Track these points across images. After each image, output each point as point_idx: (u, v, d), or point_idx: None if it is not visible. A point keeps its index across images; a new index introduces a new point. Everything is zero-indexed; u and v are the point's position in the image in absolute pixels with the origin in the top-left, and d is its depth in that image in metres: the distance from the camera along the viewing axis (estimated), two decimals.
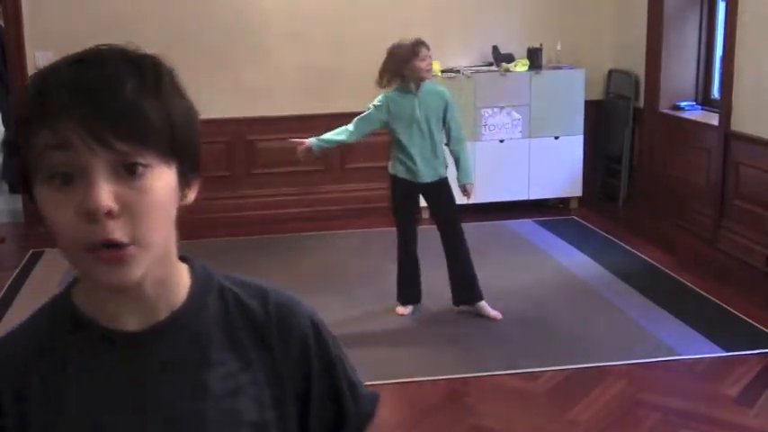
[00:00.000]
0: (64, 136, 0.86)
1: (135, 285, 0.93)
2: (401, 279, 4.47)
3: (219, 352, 0.99)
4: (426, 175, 4.29)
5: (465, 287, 4.39)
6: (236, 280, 1.06)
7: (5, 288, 4.99)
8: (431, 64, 4.22)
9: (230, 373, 0.99)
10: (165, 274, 0.97)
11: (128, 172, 0.88)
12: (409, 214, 4.39)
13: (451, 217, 4.39)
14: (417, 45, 4.16)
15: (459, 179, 4.38)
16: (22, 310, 4.62)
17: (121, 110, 0.87)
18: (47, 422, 0.94)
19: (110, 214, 0.87)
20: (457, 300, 4.43)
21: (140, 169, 0.89)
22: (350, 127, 4.31)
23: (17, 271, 5.28)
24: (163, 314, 0.97)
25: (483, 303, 4.38)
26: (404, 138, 4.25)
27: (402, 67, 4.17)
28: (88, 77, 0.88)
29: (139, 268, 0.91)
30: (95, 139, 0.86)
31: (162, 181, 0.91)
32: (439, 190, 4.34)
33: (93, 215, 0.86)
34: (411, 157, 4.26)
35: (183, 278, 1.00)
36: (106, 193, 0.87)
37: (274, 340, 1.02)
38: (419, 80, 4.20)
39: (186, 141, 0.94)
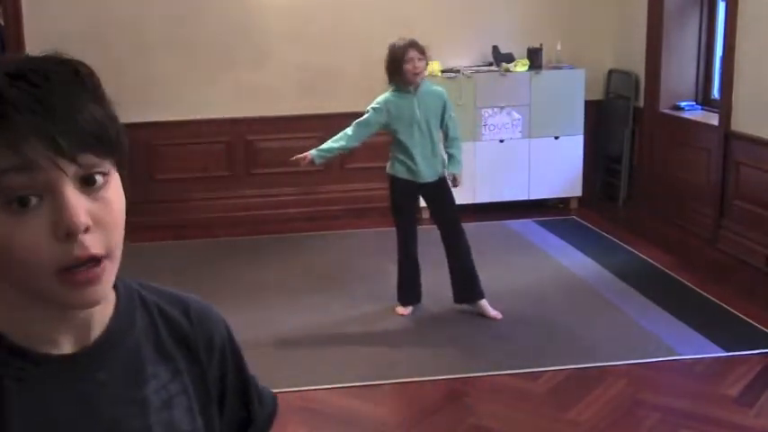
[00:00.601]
0: (27, 156, 0.83)
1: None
2: (401, 280, 4.47)
3: (151, 365, 0.99)
4: (427, 175, 4.29)
5: (466, 286, 4.40)
6: (152, 289, 1.06)
7: None
8: (419, 67, 4.18)
9: (162, 385, 1.00)
10: None
11: (87, 184, 0.86)
12: (409, 214, 4.39)
13: (453, 217, 4.39)
14: (407, 47, 4.17)
15: (448, 168, 4.37)
16: None
17: (83, 123, 0.86)
18: None
19: (87, 230, 0.85)
20: (458, 298, 4.43)
21: (99, 180, 0.87)
22: (348, 131, 4.28)
23: None
24: (96, 333, 0.95)
25: (483, 302, 4.38)
26: (405, 138, 4.25)
27: (395, 68, 4.20)
28: (43, 95, 0.85)
29: (109, 284, 0.89)
30: (62, 156, 0.84)
31: (117, 187, 0.90)
32: (439, 190, 4.34)
33: (73, 234, 0.84)
34: (412, 158, 4.26)
35: (110, 293, 0.97)
36: (83, 209, 0.85)
37: (200, 348, 1.05)
38: (407, 83, 4.21)
39: (125, 144, 0.93)
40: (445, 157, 4.40)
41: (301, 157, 4.24)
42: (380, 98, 4.28)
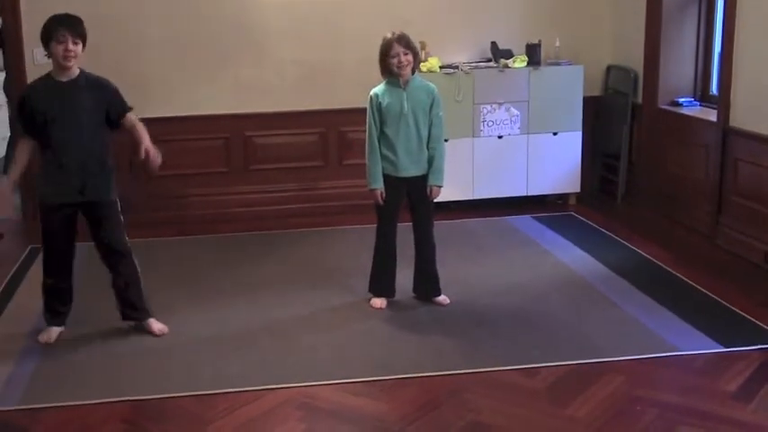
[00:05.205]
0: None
1: None
2: (372, 271, 4.57)
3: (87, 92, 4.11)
4: (408, 169, 4.34)
5: (425, 284, 4.55)
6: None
7: (5, 283, 4.99)
8: (404, 62, 4.21)
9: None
10: None
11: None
12: (388, 207, 4.42)
13: (425, 216, 4.46)
14: (392, 42, 4.23)
15: (428, 179, 4.38)
16: (22, 304, 4.62)
17: None
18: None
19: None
20: (415, 290, 4.58)
21: None
22: (369, 144, 4.34)
23: (16, 266, 5.28)
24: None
25: (439, 298, 4.52)
26: (390, 131, 4.30)
27: (383, 61, 4.26)
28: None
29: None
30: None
31: None
32: (421, 186, 4.39)
33: None
34: (395, 151, 4.31)
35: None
36: None
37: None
38: (396, 76, 4.25)
39: None
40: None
41: (377, 197, 4.36)
42: (372, 90, 4.33)
